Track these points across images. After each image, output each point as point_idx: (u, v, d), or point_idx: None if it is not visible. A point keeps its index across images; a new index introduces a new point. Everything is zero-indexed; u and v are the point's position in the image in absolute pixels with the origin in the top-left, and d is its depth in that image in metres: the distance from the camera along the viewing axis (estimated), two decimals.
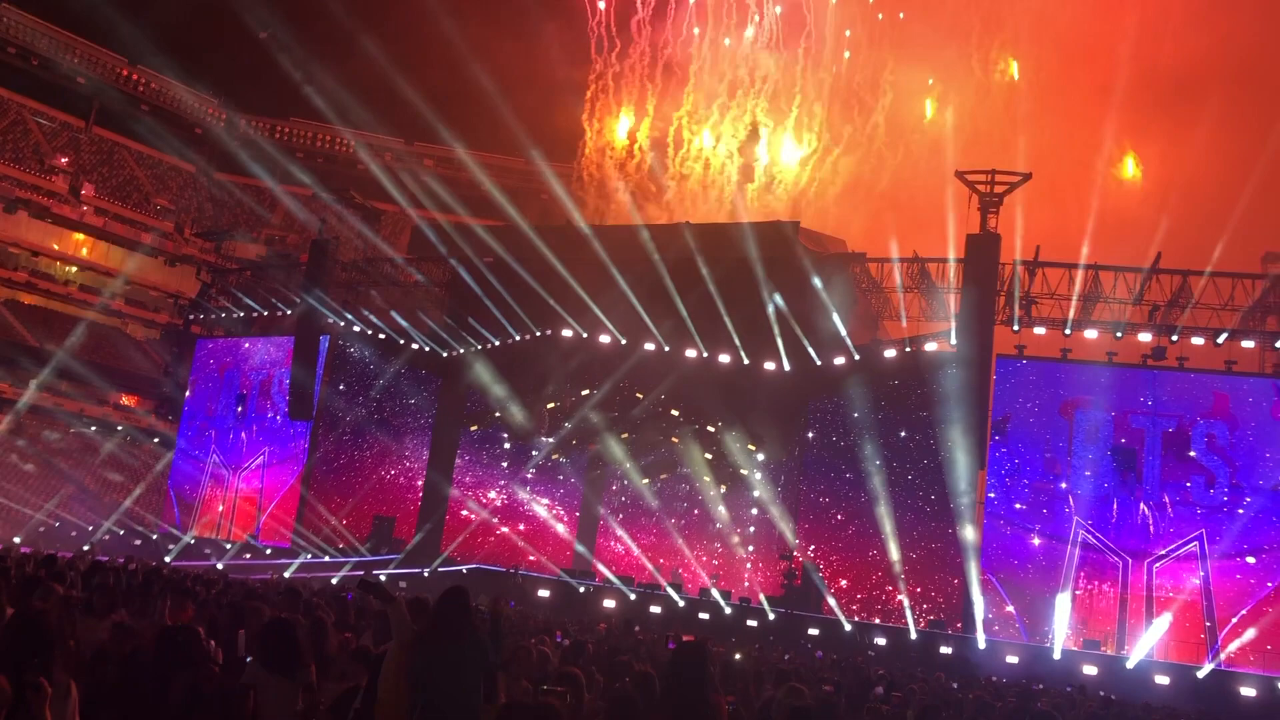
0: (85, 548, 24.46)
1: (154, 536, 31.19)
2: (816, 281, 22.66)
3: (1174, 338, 22.03)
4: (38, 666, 4.55)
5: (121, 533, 30.66)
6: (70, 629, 6.76)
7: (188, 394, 33.82)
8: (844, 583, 24.84)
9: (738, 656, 13.02)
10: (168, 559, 27.24)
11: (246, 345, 33.00)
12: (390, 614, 6.53)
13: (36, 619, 4.90)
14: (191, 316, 35.34)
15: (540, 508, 29.81)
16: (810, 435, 26.20)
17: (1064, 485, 22.85)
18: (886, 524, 23.32)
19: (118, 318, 40.47)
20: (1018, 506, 23.08)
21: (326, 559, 26.76)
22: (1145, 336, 22.14)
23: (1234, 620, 21.05)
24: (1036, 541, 22.60)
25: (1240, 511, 21.56)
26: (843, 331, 23.55)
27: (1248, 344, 21.63)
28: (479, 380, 27.92)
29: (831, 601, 23.02)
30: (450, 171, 28.09)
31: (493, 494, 30.17)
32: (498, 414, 28.27)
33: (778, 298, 22.91)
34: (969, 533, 21.75)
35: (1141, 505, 22.28)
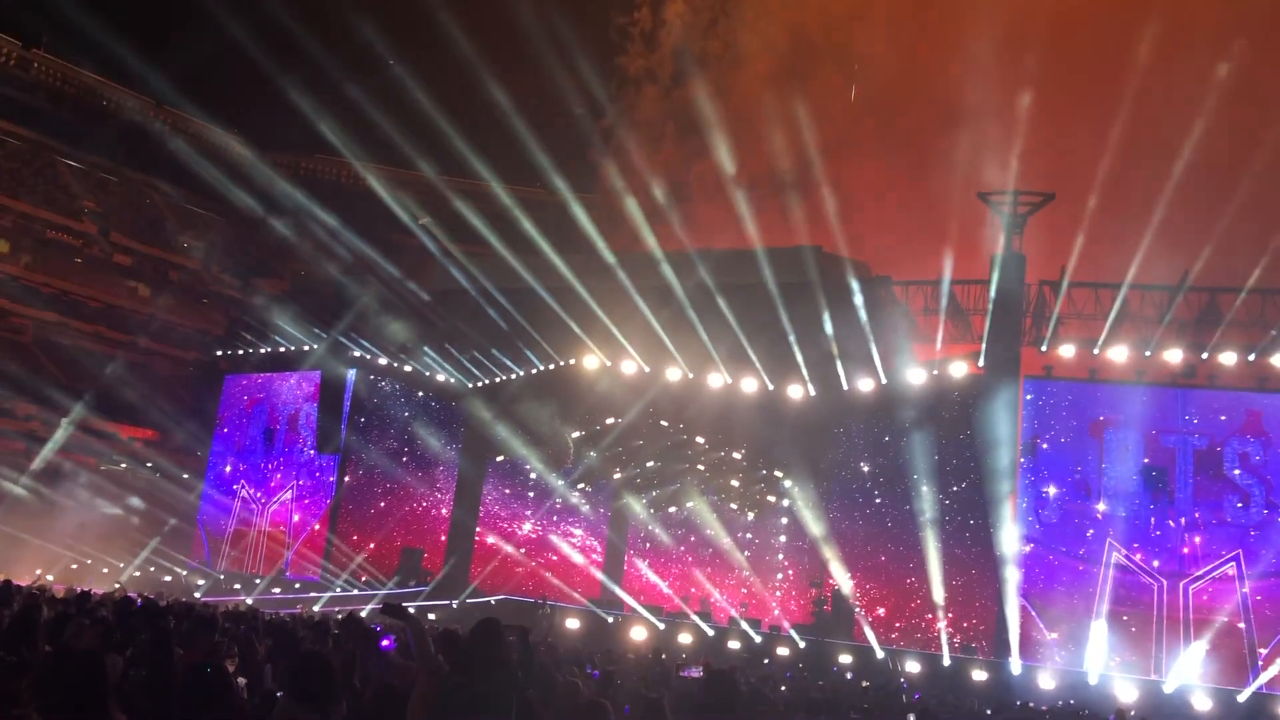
0: (116, 584, 24.57)
1: (183, 573, 31.32)
2: (859, 301, 22.56)
3: (1204, 355, 21.80)
4: (93, 706, 4.56)
5: (151, 569, 30.81)
6: (113, 666, 6.77)
7: (216, 430, 34.09)
8: (881, 611, 24.57)
9: (784, 689, 12.89)
10: (197, 594, 27.34)
11: (273, 381, 33.24)
12: (411, 631, 6.51)
13: (88, 658, 4.89)
14: (220, 353, 35.66)
15: (567, 538, 29.78)
16: (840, 460, 26.02)
17: (1096, 506, 22.58)
18: (926, 550, 23.05)
19: (147, 355, 40.81)
20: (1048, 529, 22.82)
21: (355, 592, 26.80)
22: (1174, 354, 21.92)
23: (1274, 642, 20.69)
24: (1081, 568, 22.29)
25: (1277, 531, 21.23)
26: (875, 356, 23.43)
27: (1279, 360, 21.36)
28: (502, 412, 27.97)
29: (868, 630, 22.77)
30: (474, 203, 28.25)
31: (520, 524, 30.17)
32: (522, 446, 28.28)
33: (827, 322, 22.81)
34: (1002, 557, 21.52)
35: (1175, 525, 21.99)
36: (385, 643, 7.07)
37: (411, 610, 6.75)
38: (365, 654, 8.08)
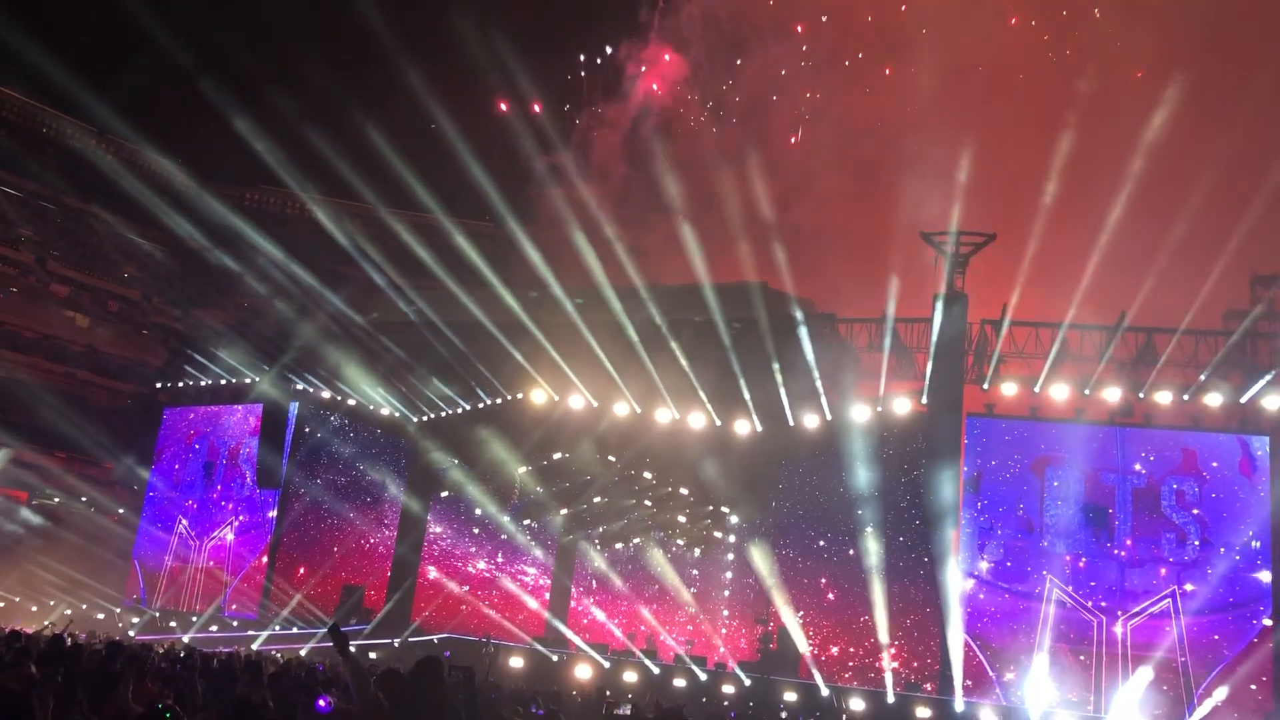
0: (46, 623, 23.90)
1: (117, 610, 30.56)
2: (804, 336, 22.74)
3: (1141, 394, 22.25)
4: None
5: (84, 607, 30.02)
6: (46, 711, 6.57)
7: (154, 463, 33.41)
8: (835, 650, 24.46)
9: None
10: (131, 633, 26.70)
11: (214, 414, 32.69)
12: (348, 667, 6.40)
13: (21, 704, 4.74)
14: (159, 385, 35.04)
15: (512, 575, 29.49)
16: (787, 496, 26.02)
17: (1038, 543, 22.85)
18: (874, 589, 22.99)
19: (84, 386, 39.99)
20: (985, 565, 23.01)
21: (295, 630, 26.32)
22: (1113, 393, 22.34)
23: (1208, 679, 21.02)
24: (1024, 605, 22.49)
25: (1212, 568, 21.63)
26: (820, 392, 23.59)
27: (1213, 401, 21.86)
28: (448, 446, 27.75)
29: (813, 668, 22.73)
30: (420, 236, 28.09)
31: (465, 561, 29.84)
32: (468, 481, 28.05)
33: (774, 365, 22.97)
34: (946, 593, 21.67)
35: (1115, 562, 22.31)
36: (321, 703, 6.89)
37: (353, 647, 6.64)
38: (303, 707, 7.94)
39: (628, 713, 12.23)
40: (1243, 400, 21.65)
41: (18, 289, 40.09)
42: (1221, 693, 20.37)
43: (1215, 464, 22.16)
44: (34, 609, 29.51)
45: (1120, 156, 21.10)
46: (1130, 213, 20.70)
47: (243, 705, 6.08)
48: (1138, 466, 22.50)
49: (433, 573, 29.27)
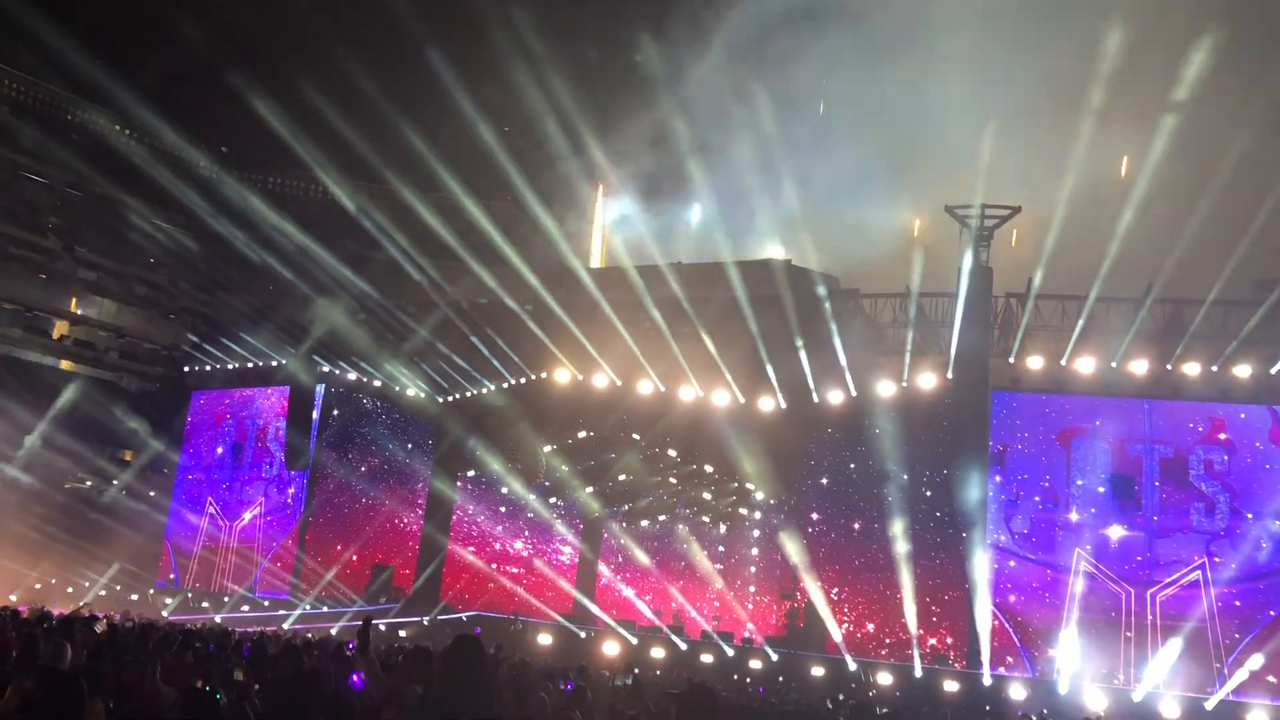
0: (81, 604, 24.25)
1: (150, 591, 30.95)
2: (828, 313, 22.72)
3: (1168, 366, 22.07)
4: None
5: (118, 588, 30.41)
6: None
7: (183, 446, 33.74)
8: (871, 626, 24.34)
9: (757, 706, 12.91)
10: (165, 613, 27.05)
11: (242, 396, 32.97)
12: (363, 664, 6.43)
13: (69, 681, 4.83)
14: (186, 368, 35.35)
15: (539, 553, 29.65)
16: (812, 474, 25.91)
17: (1065, 515, 22.75)
18: (901, 564, 22.81)
19: (112, 371, 40.35)
20: (1019, 539, 22.94)
21: (325, 609, 26.59)
22: (1140, 365, 22.18)
23: (1240, 648, 20.92)
24: (1052, 577, 22.41)
25: (1242, 537, 21.48)
26: (845, 368, 23.52)
27: (1242, 372, 21.64)
28: (473, 426, 27.88)
29: (840, 644, 22.71)
30: (444, 217, 28.13)
31: (492, 539, 30.01)
32: (494, 460, 28.16)
33: (798, 342, 22.96)
34: (973, 567, 21.63)
35: (1143, 533, 22.20)
36: (355, 678, 6.92)
37: (382, 628, 6.71)
38: (337, 678, 8.02)
39: (629, 683, 12.38)
40: (1273, 371, 21.43)
41: (46, 275, 40.43)
42: (1256, 661, 20.26)
43: (1244, 433, 21.99)
44: (69, 591, 29.92)
45: (1147, 127, 20.86)
46: (1157, 184, 20.48)
47: (299, 673, 6.16)
48: (1164, 437, 22.36)
49: (461, 551, 29.45)
